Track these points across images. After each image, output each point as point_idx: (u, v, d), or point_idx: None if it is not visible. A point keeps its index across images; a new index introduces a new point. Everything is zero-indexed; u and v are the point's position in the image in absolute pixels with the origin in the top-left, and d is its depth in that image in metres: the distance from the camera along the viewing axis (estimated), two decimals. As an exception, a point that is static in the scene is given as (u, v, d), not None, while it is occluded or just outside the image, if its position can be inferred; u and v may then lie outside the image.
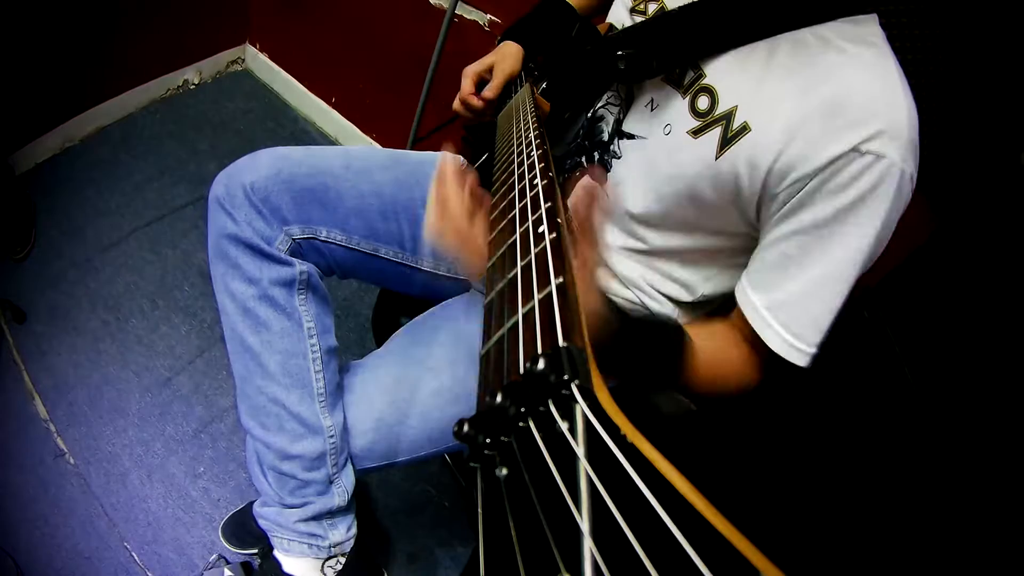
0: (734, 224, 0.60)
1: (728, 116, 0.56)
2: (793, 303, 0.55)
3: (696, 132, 0.58)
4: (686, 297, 0.70)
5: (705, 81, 0.58)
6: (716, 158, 0.57)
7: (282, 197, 0.69)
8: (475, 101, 0.79)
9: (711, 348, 0.55)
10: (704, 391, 0.56)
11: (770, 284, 0.56)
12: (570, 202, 0.38)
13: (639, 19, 0.65)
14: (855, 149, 0.49)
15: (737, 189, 0.56)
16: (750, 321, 0.57)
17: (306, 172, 0.71)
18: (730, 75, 0.57)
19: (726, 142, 0.56)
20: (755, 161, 0.54)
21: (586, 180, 0.41)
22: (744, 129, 0.55)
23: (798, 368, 0.57)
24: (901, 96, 0.51)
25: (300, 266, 0.70)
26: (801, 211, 0.53)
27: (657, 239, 0.67)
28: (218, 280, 0.70)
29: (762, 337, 0.56)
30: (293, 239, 0.70)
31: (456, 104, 0.80)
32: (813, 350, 0.56)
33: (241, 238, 0.67)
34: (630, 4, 0.67)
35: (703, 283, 0.69)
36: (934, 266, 0.75)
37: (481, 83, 0.80)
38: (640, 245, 0.69)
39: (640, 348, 0.48)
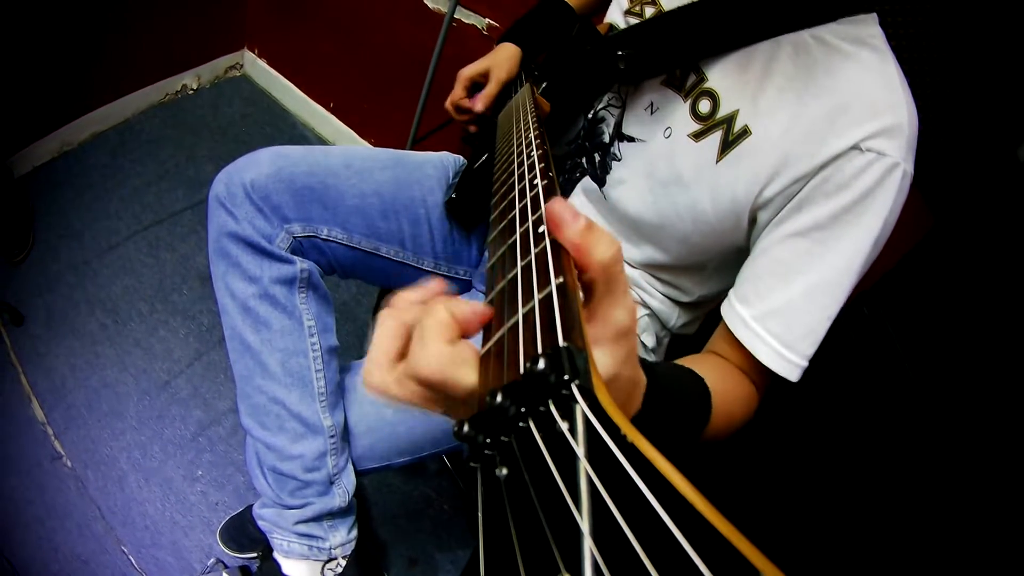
0: (728, 234, 0.59)
1: (729, 120, 0.56)
2: (787, 311, 0.53)
3: (697, 135, 0.58)
4: (684, 298, 0.71)
5: (706, 85, 0.58)
6: (717, 161, 0.57)
7: (283, 195, 0.69)
8: (468, 104, 0.78)
9: (721, 392, 0.50)
10: (719, 436, 0.52)
11: (761, 294, 0.54)
12: (576, 242, 0.25)
13: (635, 22, 0.65)
14: (856, 147, 0.49)
15: (734, 195, 0.56)
16: (739, 337, 0.55)
17: (306, 171, 0.71)
18: (732, 79, 0.57)
19: (727, 145, 0.56)
20: (755, 165, 0.54)
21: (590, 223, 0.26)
22: (745, 133, 0.55)
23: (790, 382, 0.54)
24: (902, 97, 0.51)
25: (301, 264, 0.70)
26: (799, 213, 0.52)
27: (654, 252, 0.67)
28: (218, 279, 0.70)
29: (752, 351, 0.54)
30: (294, 237, 0.70)
31: (448, 106, 0.80)
32: (804, 363, 0.54)
33: (241, 236, 0.67)
34: (625, 6, 0.67)
35: (698, 286, 0.69)
36: (934, 262, 0.75)
37: (474, 87, 0.79)
38: (637, 253, 0.69)
39: (672, 414, 0.43)
